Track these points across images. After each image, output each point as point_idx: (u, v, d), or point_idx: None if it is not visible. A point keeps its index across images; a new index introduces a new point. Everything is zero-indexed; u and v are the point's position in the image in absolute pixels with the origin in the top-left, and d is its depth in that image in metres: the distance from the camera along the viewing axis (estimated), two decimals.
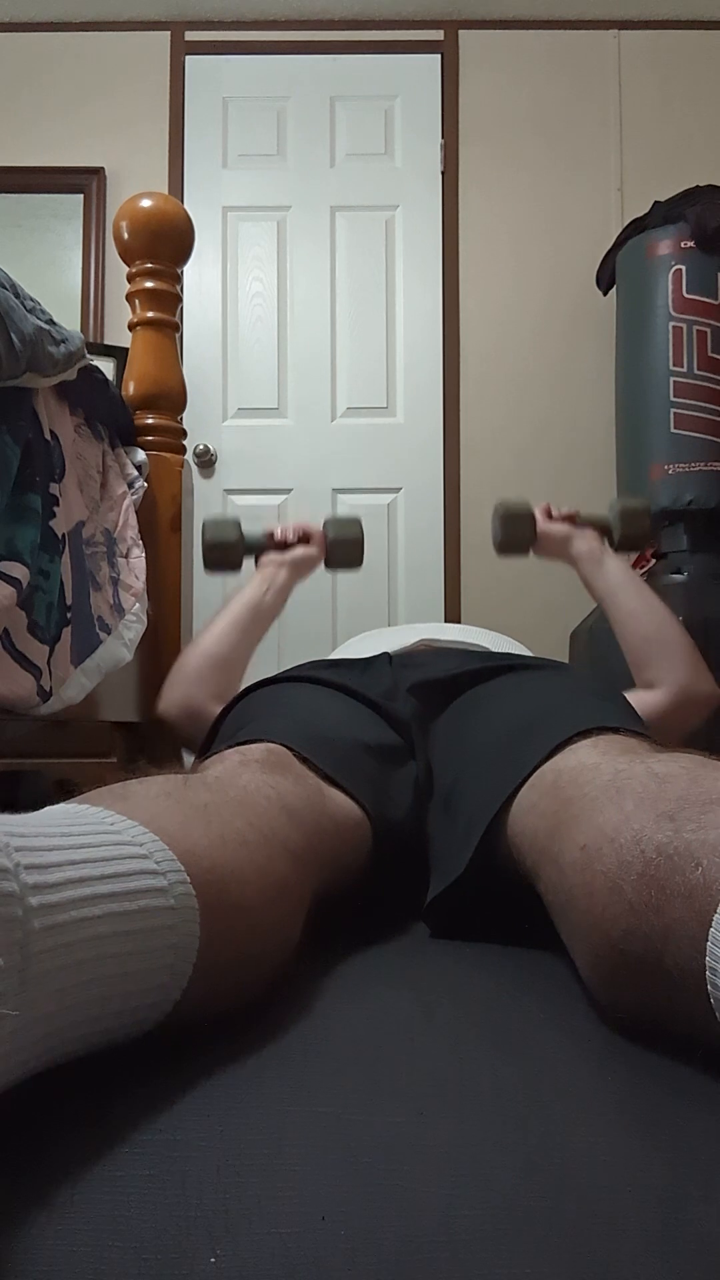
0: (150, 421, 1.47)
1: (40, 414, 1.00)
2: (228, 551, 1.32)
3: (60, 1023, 0.35)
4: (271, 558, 1.32)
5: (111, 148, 2.98)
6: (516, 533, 1.34)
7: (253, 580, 1.29)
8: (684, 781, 0.50)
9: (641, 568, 2.38)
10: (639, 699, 1.12)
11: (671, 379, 2.39)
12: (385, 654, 1.07)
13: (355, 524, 1.36)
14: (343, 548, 1.35)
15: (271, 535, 1.35)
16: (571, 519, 1.35)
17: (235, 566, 1.34)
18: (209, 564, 1.33)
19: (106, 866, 0.38)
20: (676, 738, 1.17)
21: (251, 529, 1.35)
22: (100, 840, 0.40)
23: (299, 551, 1.33)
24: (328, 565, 1.37)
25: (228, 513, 2.92)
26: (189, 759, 1.22)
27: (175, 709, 1.17)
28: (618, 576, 1.25)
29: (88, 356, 1.10)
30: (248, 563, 1.36)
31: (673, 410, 2.38)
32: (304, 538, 1.35)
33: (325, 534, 1.36)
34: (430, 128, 3.00)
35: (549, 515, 1.35)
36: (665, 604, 1.24)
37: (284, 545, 1.34)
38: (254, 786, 0.60)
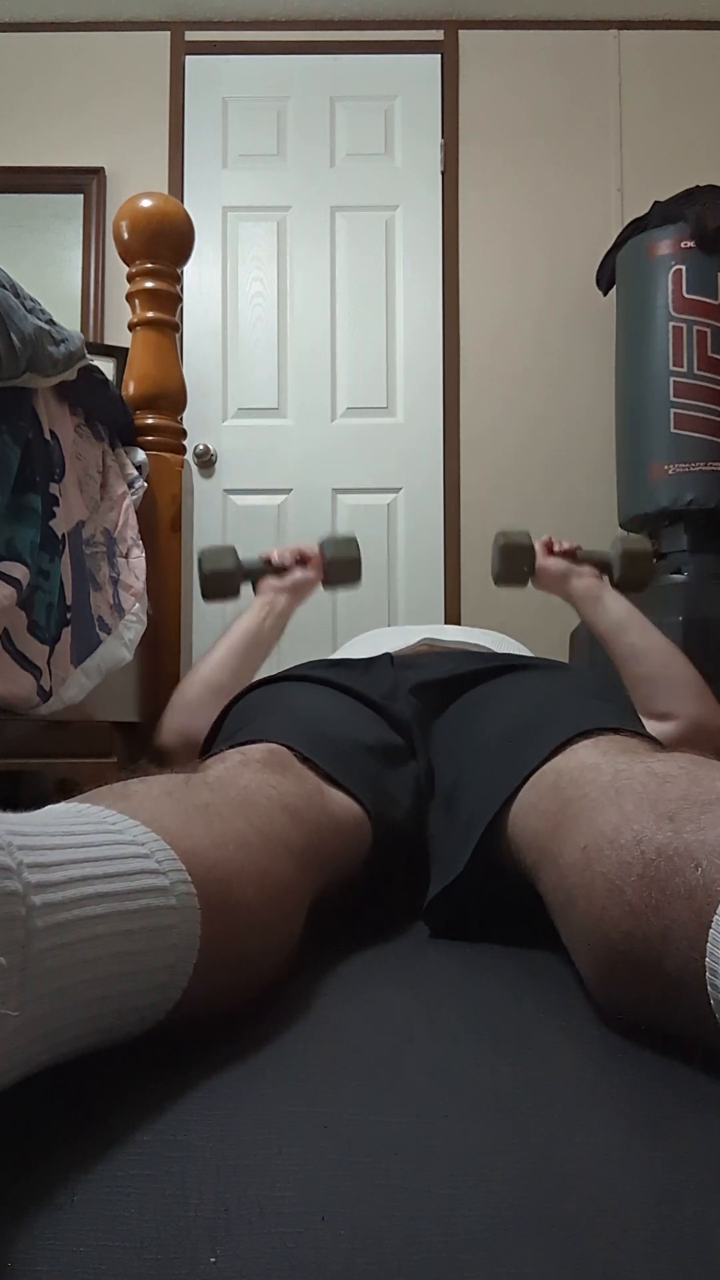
0: (150, 421, 1.47)
1: (40, 414, 1.00)
2: (225, 580, 1.31)
3: (61, 1021, 0.35)
4: (270, 583, 1.31)
5: (111, 148, 2.98)
6: (515, 565, 1.34)
7: (252, 607, 1.28)
8: (684, 781, 0.50)
9: None
10: (651, 728, 1.09)
11: (671, 379, 2.38)
12: (387, 654, 1.07)
13: (352, 542, 1.36)
14: (341, 567, 1.35)
15: (269, 560, 1.34)
16: (572, 554, 1.34)
17: (234, 594, 1.33)
18: (207, 594, 1.32)
19: (108, 866, 0.38)
20: None
21: (248, 555, 1.34)
22: (102, 840, 0.40)
23: (297, 575, 1.32)
24: (326, 585, 1.37)
25: (228, 514, 2.92)
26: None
27: (174, 739, 1.16)
28: (618, 615, 1.23)
29: (88, 356, 1.10)
30: (246, 589, 1.35)
31: (673, 410, 2.38)
32: (301, 560, 1.34)
33: (323, 554, 1.35)
34: (430, 128, 3.00)
35: (550, 549, 1.35)
36: (663, 618, 1.21)
37: (281, 569, 1.33)
38: (255, 786, 0.60)
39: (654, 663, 1.17)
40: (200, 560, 1.31)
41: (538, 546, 1.34)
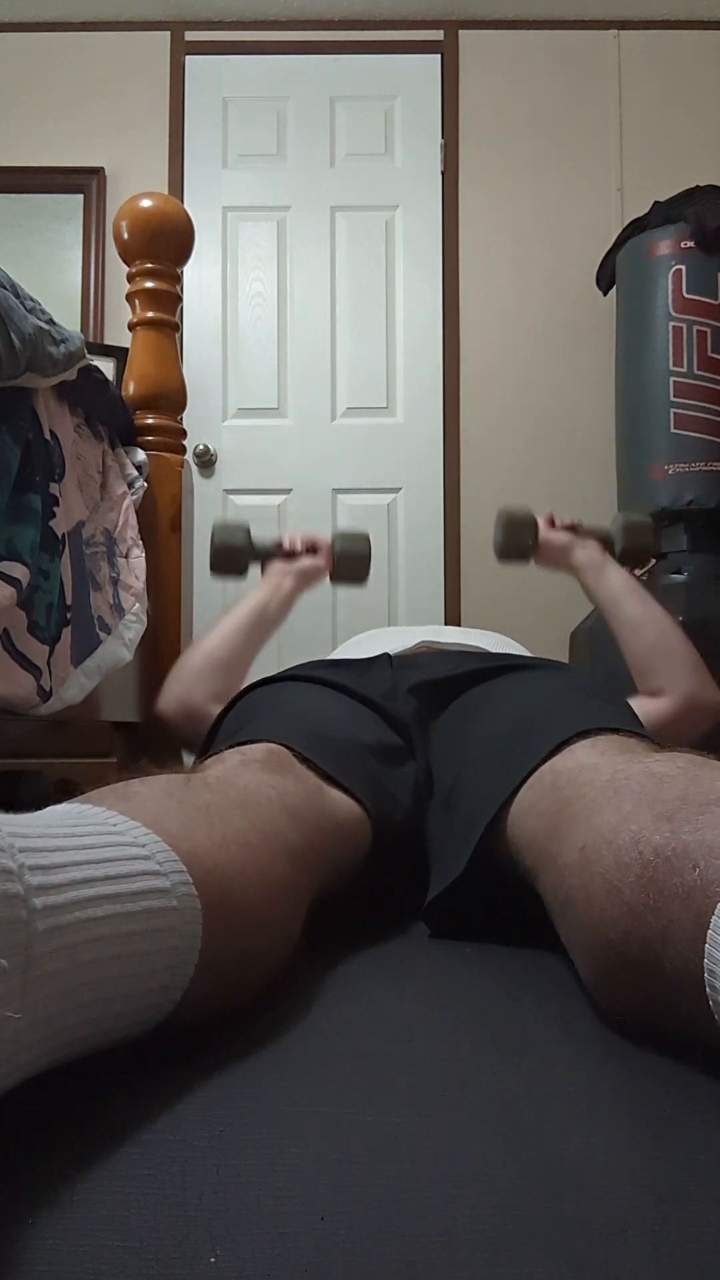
0: (150, 421, 1.47)
1: (40, 414, 1.00)
2: (236, 557, 1.33)
3: (62, 1023, 0.35)
4: (278, 566, 1.33)
5: (111, 148, 2.98)
6: (518, 540, 1.34)
7: (259, 587, 1.30)
8: (682, 782, 0.50)
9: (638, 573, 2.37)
10: (644, 707, 1.11)
11: (671, 379, 2.39)
12: (386, 655, 1.07)
13: (363, 539, 1.37)
14: (350, 561, 1.36)
15: (280, 544, 1.36)
16: (574, 529, 1.35)
17: (242, 572, 1.35)
18: (216, 568, 1.34)
19: (110, 868, 0.38)
20: (680, 745, 1.17)
21: (260, 536, 1.36)
22: (103, 841, 0.40)
23: (306, 562, 1.34)
24: (333, 578, 1.38)
25: (228, 514, 2.92)
26: (189, 759, 1.22)
27: (174, 707, 1.17)
28: (620, 585, 1.25)
29: (88, 356, 1.10)
30: (253, 571, 1.37)
31: (673, 410, 2.38)
32: (312, 548, 1.36)
33: (333, 546, 1.36)
34: (430, 128, 3.00)
35: (551, 524, 1.36)
36: (667, 610, 1.23)
37: (291, 554, 1.35)
38: (255, 786, 0.60)
39: (652, 633, 1.19)
40: (213, 535, 1.33)
41: (539, 521, 1.35)
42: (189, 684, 1.18)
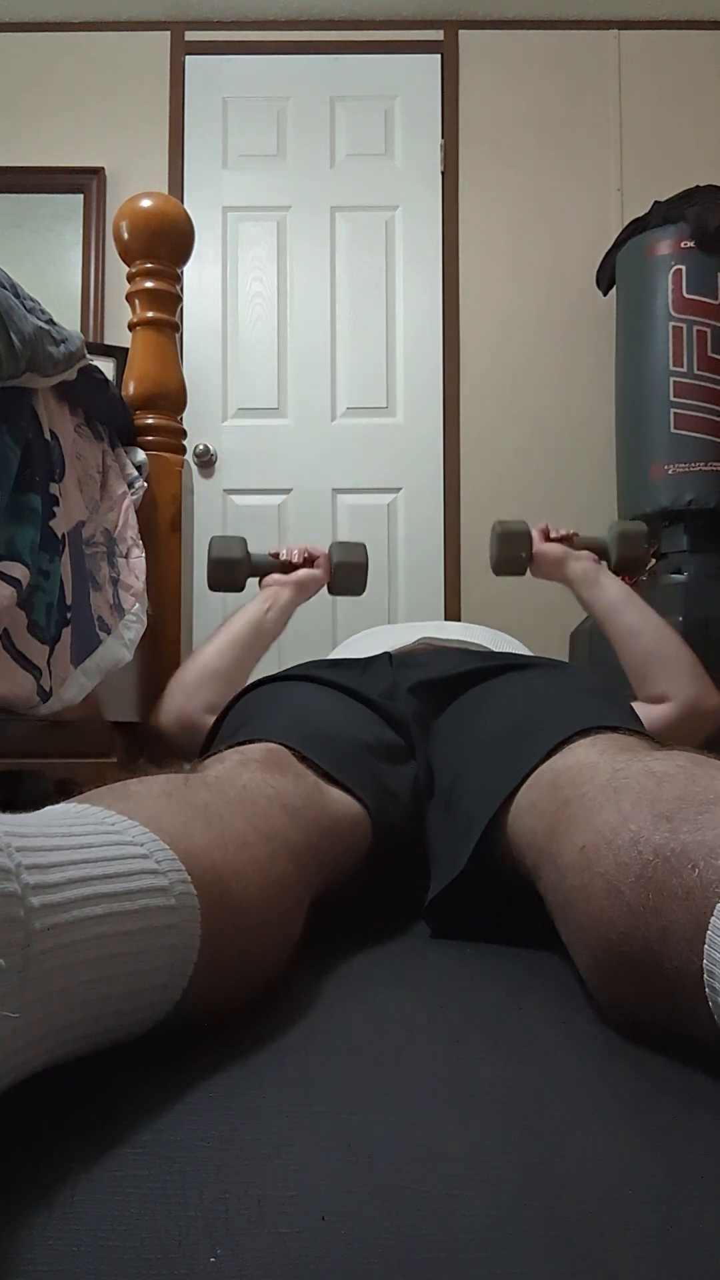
0: (150, 421, 1.47)
1: (40, 414, 1.00)
2: (233, 570, 1.34)
3: (61, 1023, 0.35)
4: (276, 577, 1.34)
5: (111, 148, 2.98)
6: (513, 552, 1.36)
7: (256, 598, 1.31)
8: (681, 780, 0.50)
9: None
10: (646, 712, 1.12)
11: (671, 379, 2.38)
12: (385, 654, 1.07)
13: (360, 550, 1.38)
14: (347, 572, 1.37)
15: (277, 556, 1.37)
16: (569, 540, 1.36)
17: (239, 586, 1.36)
18: (214, 583, 1.35)
19: (108, 866, 0.38)
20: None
21: (257, 549, 1.37)
22: (101, 840, 0.40)
23: (303, 573, 1.34)
24: (331, 589, 1.39)
25: (228, 513, 2.92)
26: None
27: (171, 720, 1.18)
28: (614, 595, 1.26)
29: (88, 356, 1.10)
30: (251, 583, 1.38)
31: (673, 410, 2.38)
32: (309, 560, 1.36)
33: (330, 557, 1.37)
34: (430, 128, 3.00)
35: (546, 536, 1.37)
36: (664, 615, 1.24)
37: (289, 566, 1.35)
38: (254, 786, 0.60)
39: (650, 641, 1.20)
40: (210, 548, 1.34)
41: (534, 533, 1.36)
42: (185, 698, 1.19)
